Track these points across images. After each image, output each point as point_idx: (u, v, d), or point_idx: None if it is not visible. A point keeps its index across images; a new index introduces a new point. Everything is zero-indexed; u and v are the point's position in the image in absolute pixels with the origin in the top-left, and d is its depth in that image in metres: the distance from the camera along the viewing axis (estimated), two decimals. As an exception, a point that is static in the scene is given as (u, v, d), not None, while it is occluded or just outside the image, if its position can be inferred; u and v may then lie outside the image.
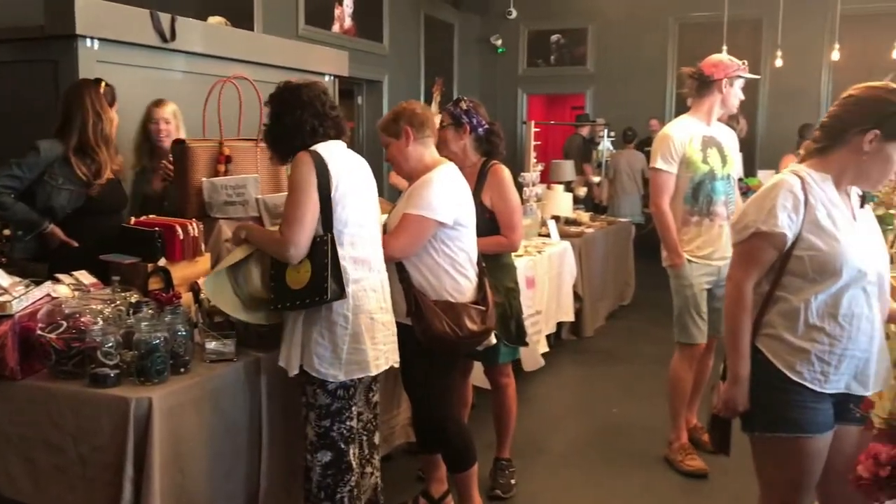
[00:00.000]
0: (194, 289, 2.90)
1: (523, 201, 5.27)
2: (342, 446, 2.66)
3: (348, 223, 2.59)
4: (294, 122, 2.59)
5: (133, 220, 3.21)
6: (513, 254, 3.63)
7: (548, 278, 5.32)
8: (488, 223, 3.31)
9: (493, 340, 3.17)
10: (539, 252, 5.29)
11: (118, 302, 2.58)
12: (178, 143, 3.27)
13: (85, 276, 2.79)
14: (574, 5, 11.06)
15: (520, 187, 5.07)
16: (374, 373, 2.67)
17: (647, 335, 6.25)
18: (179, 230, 2.93)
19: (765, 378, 2.20)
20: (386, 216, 3.02)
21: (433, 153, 3.02)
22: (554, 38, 11.38)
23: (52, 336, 2.38)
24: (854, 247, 2.13)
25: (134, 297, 2.66)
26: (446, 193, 2.89)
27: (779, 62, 9.15)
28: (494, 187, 3.36)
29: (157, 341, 2.37)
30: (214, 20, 5.11)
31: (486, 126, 3.40)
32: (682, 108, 4.24)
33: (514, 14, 10.94)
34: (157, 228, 2.92)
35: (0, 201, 3.25)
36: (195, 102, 3.41)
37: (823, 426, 2.18)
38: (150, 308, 2.57)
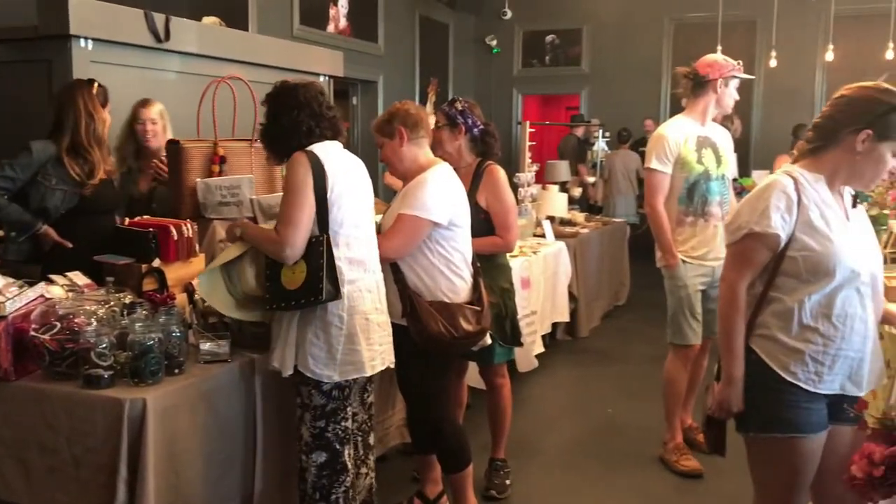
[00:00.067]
0: (189, 290, 2.89)
1: (518, 202, 5.28)
2: (337, 447, 2.65)
3: (344, 224, 2.59)
4: (291, 122, 2.59)
5: (127, 220, 3.21)
6: (508, 254, 3.63)
7: (543, 279, 5.32)
8: (483, 223, 3.31)
9: (489, 341, 3.17)
10: (534, 252, 5.29)
11: (112, 303, 2.57)
12: (173, 143, 3.26)
13: (79, 277, 2.78)
14: (569, 6, 11.07)
15: (515, 188, 5.07)
16: (369, 373, 2.67)
17: (642, 335, 6.26)
18: (174, 231, 2.92)
19: (759, 378, 2.20)
20: (380, 216, 3.02)
21: (427, 153, 3.02)
22: (549, 38, 11.39)
23: (46, 337, 2.37)
24: (847, 247, 2.13)
25: (128, 298, 2.65)
26: (441, 193, 2.89)
27: (773, 63, 9.18)
28: (489, 188, 3.36)
29: (152, 342, 2.37)
30: (209, 20, 5.11)
31: (482, 126, 3.40)
32: (676, 109, 4.25)
33: (509, 14, 10.94)
34: (151, 229, 2.92)
35: (-6, 202, 3.25)
36: (189, 103, 3.40)
37: (817, 426, 2.19)
38: (145, 309, 2.57)
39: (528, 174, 6.19)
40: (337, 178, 2.57)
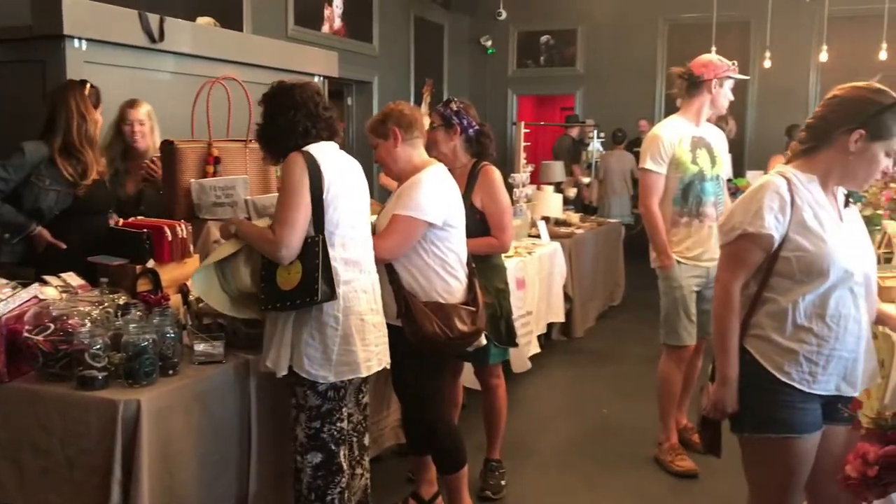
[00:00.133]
0: (183, 290, 2.89)
1: (513, 202, 5.28)
2: (333, 448, 2.65)
3: (340, 224, 2.59)
4: (287, 122, 2.59)
5: (121, 221, 3.20)
6: (503, 255, 3.63)
7: (538, 279, 5.33)
8: (478, 224, 3.31)
9: (484, 341, 3.16)
10: (529, 253, 5.30)
11: (106, 304, 2.57)
12: (167, 144, 3.26)
13: (73, 278, 2.78)
14: (563, 6, 11.08)
15: (510, 188, 5.07)
16: (364, 374, 2.67)
17: (636, 336, 6.26)
18: (168, 232, 2.91)
19: (754, 379, 2.21)
20: (375, 217, 3.01)
21: (422, 154, 3.02)
22: (543, 39, 11.40)
23: (40, 338, 2.37)
24: (841, 247, 2.14)
25: (122, 299, 2.65)
26: (435, 194, 2.89)
27: (767, 63, 9.19)
28: (485, 188, 3.36)
29: (146, 343, 2.36)
30: (203, 21, 5.10)
31: (477, 127, 3.40)
32: (671, 109, 4.25)
33: (504, 15, 10.95)
34: (145, 230, 2.91)
35: (-14, 203, 3.24)
36: (184, 103, 3.40)
37: (812, 426, 2.19)
38: (139, 310, 2.56)
39: (523, 175, 6.19)
40: (333, 179, 2.57)
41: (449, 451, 3.09)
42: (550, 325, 5.91)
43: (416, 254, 2.90)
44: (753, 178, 7.15)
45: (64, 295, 2.64)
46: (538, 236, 5.93)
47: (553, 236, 6.07)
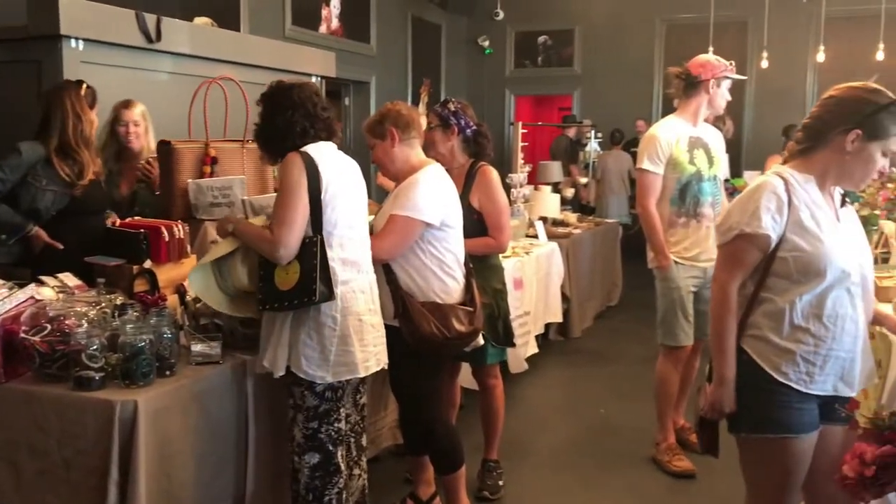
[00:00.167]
0: (180, 291, 2.88)
1: (511, 202, 5.28)
2: (330, 448, 2.65)
3: (338, 225, 2.59)
4: (285, 122, 2.58)
5: (118, 222, 3.20)
6: (500, 255, 3.63)
7: (535, 279, 5.33)
8: (476, 224, 3.31)
9: (481, 342, 3.16)
10: (527, 253, 5.30)
11: (103, 304, 2.56)
12: (164, 144, 3.25)
13: (69, 279, 2.77)
14: (561, 7, 11.09)
15: (507, 188, 5.07)
16: (362, 374, 2.67)
17: (634, 335, 6.27)
18: (165, 232, 2.91)
19: (751, 379, 2.21)
20: (372, 217, 3.01)
21: (419, 154, 3.02)
22: (541, 39, 11.40)
23: (36, 339, 2.36)
24: (838, 247, 2.14)
25: (119, 300, 2.64)
26: (433, 194, 2.89)
27: (764, 63, 9.20)
28: (482, 189, 3.36)
29: (143, 344, 2.36)
30: (200, 21, 5.09)
31: (474, 127, 3.40)
32: (668, 109, 4.25)
33: (501, 15, 10.95)
34: (142, 230, 2.91)
35: (-17, 204, 3.23)
36: (181, 103, 3.39)
37: (809, 426, 2.19)
38: (136, 310, 2.56)
39: (520, 175, 6.19)
40: (331, 179, 2.57)
41: (446, 451, 3.09)
42: (548, 326, 5.91)
43: (414, 254, 2.89)
44: (751, 178, 7.16)
45: (61, 295, 2.63)
46: (536, 236, 5.93)
47: (550, 236, 6.07)
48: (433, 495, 3.33)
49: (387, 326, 2.80)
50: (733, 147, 7.72)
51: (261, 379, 2.68)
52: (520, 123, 6.86)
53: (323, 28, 8.32)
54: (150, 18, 4.28)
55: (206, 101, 3.23)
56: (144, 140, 3.73)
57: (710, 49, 7.88)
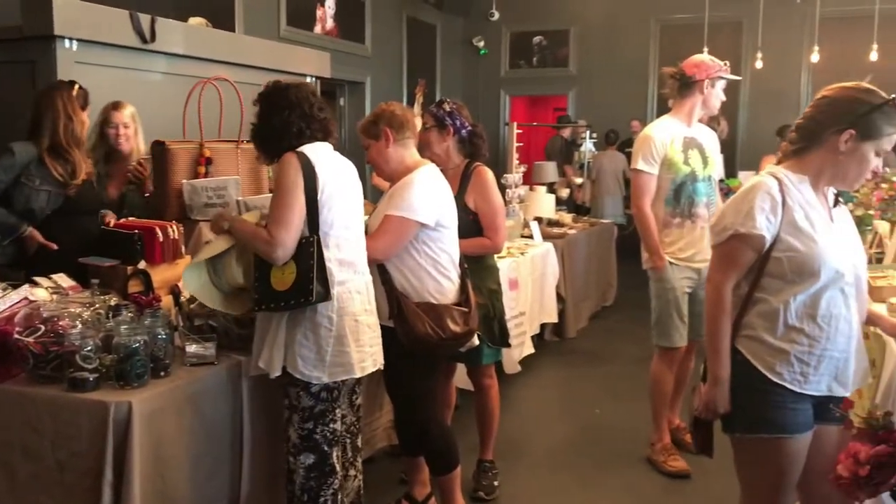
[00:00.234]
0: (174, 292, 2.88)
1: (506, 203, 5.28)
2: (326, 449, 2.65)
3: (334, 225, 2.58)
4: (281, 122, 2.58)
5: (112, 222, 3.19)
6: (496, 255, 3.63)
7: (531, 280, 5.33)
8: (471, 225, 3.31)
9: (476, 342, 3.16)
10: (522, 253, 5.30)
11: (97, 305, 2.56)
12: (158, 145, 3.24)
13: (63, 279, 2.77)
14: (556, 7, 11.09)
15: (503, 189, 5.07)
16: (358, 375, 2.66)
17: (629, 336, 6.27)
18: (159, 232, 2.90)
19: (745, 379, 2.21)
20: (367, 217, 3.01)
21: (414, 154, 3.02)
22: (536, 39, 11.41)
23: (30, 340, 2.35)
24: (832, 248, 2.14)
25: (113, 300, 2.64)
26: (427, 194, 2.89)
27: (759, 64, 9.22)
28: (478, 189, 3.36)
29: (137, 345, 2.35)
30: (195, 21, 5.08)
31: (469, 128, 3.40)
32: (663, 110, 4.26)
33: (497, 16, 10.95)
34: (136, 231, 2.90)
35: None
36: (175, 104, 3.39)
37: (803, 426, 2.19)
38: (130, 311, 2.55)
39: (515, 175, 6.20)
40: (327, 180, 2.57)
41: (441, 451, 3.09)
42: (543, 326, 5.91)
43: (409, 254, 2.89)
44: (745, 178, 7.18)
45: (55, 296, 2.63)
46: (531, 237, 5.93)
47: (546, 237, 6.07)
48: (428, 496, 3.33)
49: (382, 327, 2.80)
50: (728, 147, 7.72)
51: (256, 379, 2.68)
52: (515, 124, 6.87)
53: (318, 28, 8.32)
54: (145, 19, 4.27)
55: (200, 102, 3.22)
56: (134, 142, 3.68)
57: (705, 49, 7.85)
